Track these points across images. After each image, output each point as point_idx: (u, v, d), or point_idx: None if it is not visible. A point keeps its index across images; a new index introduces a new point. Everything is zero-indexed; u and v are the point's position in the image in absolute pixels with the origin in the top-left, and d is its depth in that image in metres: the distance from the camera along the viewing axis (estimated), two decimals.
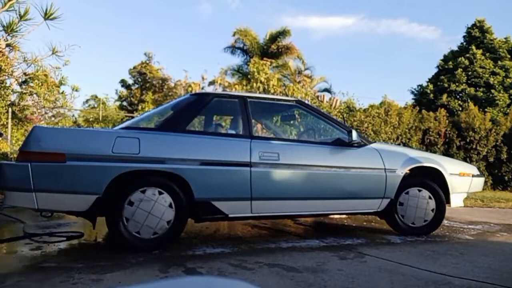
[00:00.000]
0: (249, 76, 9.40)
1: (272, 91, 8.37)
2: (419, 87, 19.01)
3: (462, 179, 3.66)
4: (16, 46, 5.13)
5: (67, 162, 2.49)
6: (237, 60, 15.92)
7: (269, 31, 15.62)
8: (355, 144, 3.27)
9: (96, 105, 19.50)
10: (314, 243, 3.07)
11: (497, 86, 16.88)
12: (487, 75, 17.02)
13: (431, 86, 17.93)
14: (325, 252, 2.75)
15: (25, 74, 5.69)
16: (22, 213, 4.22)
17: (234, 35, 15.43)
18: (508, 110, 13.84)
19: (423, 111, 10.95)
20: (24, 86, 6.68)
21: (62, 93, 7.10)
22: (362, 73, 40.20)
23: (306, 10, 41.65)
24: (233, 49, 15.72)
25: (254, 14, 38.49)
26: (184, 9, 37.91)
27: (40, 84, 6.37)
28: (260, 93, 7.86)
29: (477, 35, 18.02)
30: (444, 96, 16.71)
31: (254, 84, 8.50)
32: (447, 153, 9.82)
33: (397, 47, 40.19)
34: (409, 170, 3.45)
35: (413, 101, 17.61)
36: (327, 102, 9.78)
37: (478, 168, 8.96)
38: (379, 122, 9.62)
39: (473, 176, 3.75)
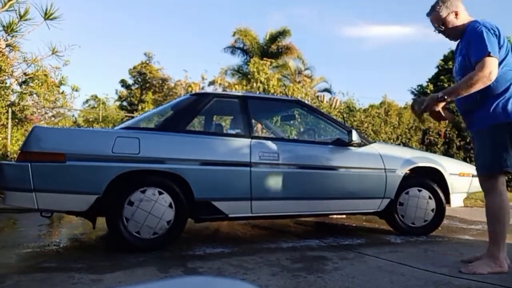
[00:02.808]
0: (249, 76, 9.40)
1: (272, 91, 8.37)
2: (419, 87, 19.01)
3: (462, 179, 3.66)
4: (16, 46, 5.13)
5: (67, 162, 2.50)
6: (237, 60, 15.94)
7: (269, 31, 15.64)
8: (355, 144, 3.27)
9: (96, 105, 19.48)
10: (314, 243, 3.07)
11: None
12: None
13: (431, 86, 17.90)
14: (325, 252, 2.75)
15: (25, 74, 5.69)
16: (21, 212, 4.22)
17: (234, 35, 15.46)
18: None
19: None
20: (24, 86, 6.68)
21: (62, 93, 7.11)
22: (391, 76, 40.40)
23: (369, 19, 42.06)
24: (233, 49, 15.74)
25: (322, 23, 39.55)
26: (257, 18, 39.10)
27: (40, 84, 6.37)
28: (260, 93, 7.86)
29: None
30: None
31: (254, 84, 8.50)
32: (447, 153, 9.81)
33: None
34: (409, 170, 3.45)
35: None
36: (327, 102, 9.77)
37: None
38: (379, 122, 9.61)
39: (473, 176, 3.74)
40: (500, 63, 2.16)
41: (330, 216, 4.40)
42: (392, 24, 41.62)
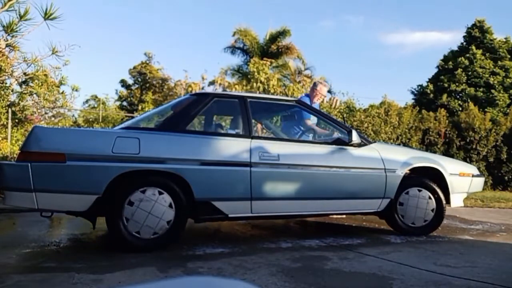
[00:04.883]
0: (249, 76, 9.41)
1: (272, 91, 8.37)
2: (419, 87, 19.01)
3: (462, 179, 3.66)
4: (16, 46, 5.13)
5: (67, 162, 2.49)
6: (237, 60, 15.93)
7: (269, 31, 15.62)
8: (355, 144, 3.27)
9: (96, 105, 19.50)
10: (314, 243, 3.07)
11: (497, 86, 16.87)
12: (487, 75, 17.01)
13: (431, 86, 17.92)
14: (325, 252, 2.75)
15: (25, 74, 5.69)
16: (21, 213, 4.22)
17: (234, 35, 15.44)
18: (508, 110, 13.82)
19: (423, 111, 10.93)
20: (24, 86, 6.67)
21: (62, 93, 7.10)
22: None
23: (415, 26, 42.00)
24: (233, 49, 15.72)
25: (369, 31, 39.89)
26: (308, 25, 39.61)
27: (40, 84, 6.37)
28: (260, 93, 7.86)
29: (477, 35, 18.02)
30: (444, 96, 16.70)
31: (254, 84, 8.51)
32: (447, 153, 9.81)
33: None
34: (409, 170, 3.45)
35: (413, 101, 17.60)
36: (327, 102, 9.76)
37: (478, 168, 8.96)
38: (379, 122, 9.61)
39: (473, 176, 3.75)
40: None
41: (330, 216, 4.40)
42: (432, 30, 41.38)
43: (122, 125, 3.13)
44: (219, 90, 8.68)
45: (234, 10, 39.18)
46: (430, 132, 10.17)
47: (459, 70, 17.17)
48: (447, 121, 10.48)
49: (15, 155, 5.88)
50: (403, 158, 3.43)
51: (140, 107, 14.66)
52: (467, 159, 9.94)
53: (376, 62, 40.75)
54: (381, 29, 40.84)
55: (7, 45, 5.04)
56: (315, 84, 4.67)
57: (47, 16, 4.58)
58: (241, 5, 39.77)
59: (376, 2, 40.07)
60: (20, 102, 6.86)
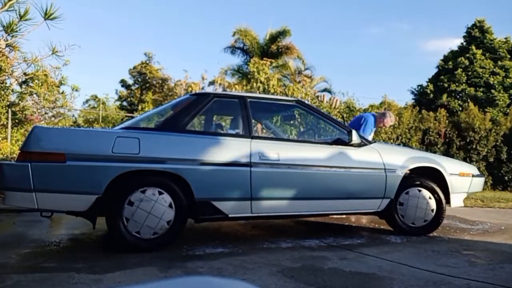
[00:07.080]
0: (249, 76, 9.40)
1: (272, 91, 8.37)
2: (419, 87, 19.00)
3: (462, 179, 3.66)
4: (16, 46, 5.12)
5: (67, 162, 2.50)
6: (237, 60, 15.91)
7: (269, 31, 15.61)
8: (355, 144, 3.27)
9: (96, 105, 19.51)
10: (314, 243, 3.07)
11: (497, 86, 16.87)
12: (487, 75, 17.01)
13: (431, 86, 17.92)
14: (325, 252, 2.75)
15: (25, 74, 5.68)
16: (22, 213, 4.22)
17: (234, 35, 15.43)
18: (508, 110, 13.82)
19: (423, 111, 10.93)
20: (24, 86, 6.68)
21: (62, 93, 7.10)
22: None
23: (458, 32, 41.78)
24: (233, 49, 15.71)
25: (413, 38, 39.78)
26: (354, 31, 39.83)
27: (40, 84, 6.37)
28: (260, 93, 7.86)
29: (477, 35, 18.02)
30: (444, 96, 16.71)
31: (254, 84, 8.50)
32: (447, 153, 9.81)
33: None
34: (409, 170, 3.45)
35: (413, 101, 17.59)
36: (327, 102, 9.76)
37: (478, 168, 8.96)
38: None
39: (473, 176, 3.75)
40: None
41: (330, 216, 4.40)
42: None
43: (122, 125, 3.13)
44: (219, 90, 8.67)
45: (234, 10, 39.16)
46: (430, 132, 10.17)
47: (459, 70, 17.17)
48: (447, 121, 10.48)
49: (15, 155, 5.88)
50: (403, 158, 3.43)
51: (140, 107, 14.64)
52: (467, 159, 9.94)
53: (405, 68, 40.65)
54: (423, 36, 40.62)
55: (7, 45, 5.04)
56: (384, 115, 4.93)
57: (47, 16, 4.58)
58: (244, 5, 39.77)
59: (423, 9, 39.73)
60: (20, 102, 6.87)
